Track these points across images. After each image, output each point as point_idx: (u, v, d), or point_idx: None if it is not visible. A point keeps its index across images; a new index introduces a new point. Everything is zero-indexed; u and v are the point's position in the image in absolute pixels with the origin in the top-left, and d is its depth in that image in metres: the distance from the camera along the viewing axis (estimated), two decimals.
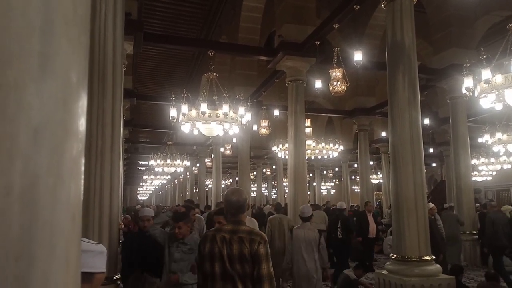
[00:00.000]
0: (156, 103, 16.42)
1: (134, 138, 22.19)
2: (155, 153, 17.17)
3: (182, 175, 25.63)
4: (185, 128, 8.26)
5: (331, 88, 8.05)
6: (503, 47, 5.94)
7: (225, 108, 7.65)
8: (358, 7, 6.77)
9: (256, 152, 20.67)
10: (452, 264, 7.33)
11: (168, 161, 16.61)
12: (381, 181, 19.88)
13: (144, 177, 30.60)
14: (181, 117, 7.88)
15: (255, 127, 11.60)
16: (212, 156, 16.84)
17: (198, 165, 20.96)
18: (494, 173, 17.74)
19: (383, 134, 16.13)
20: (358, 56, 7.41)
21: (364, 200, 13.87)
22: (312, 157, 14.75)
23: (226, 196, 2.56)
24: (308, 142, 12.28)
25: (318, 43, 8.25)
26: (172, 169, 17.38)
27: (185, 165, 17.41)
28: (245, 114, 8.15)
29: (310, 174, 26.15)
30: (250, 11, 11.13)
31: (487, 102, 6.18)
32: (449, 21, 9.75)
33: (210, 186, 23.95)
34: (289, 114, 8.72)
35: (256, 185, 23.12)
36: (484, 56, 5.79)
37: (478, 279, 7.17)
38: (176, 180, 30.34)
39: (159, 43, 9.49)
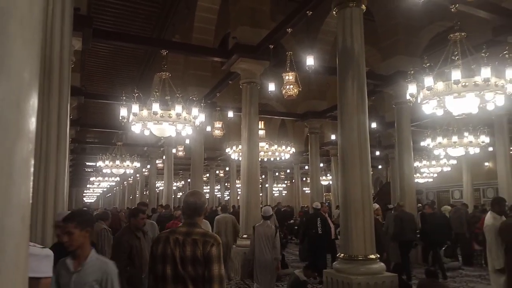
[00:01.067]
0: (106, 102, 15.83)
1: (81, 138, 21.30)
2: (103, 154, 16.56)
3: (132, 177, 24.94)
4: (136, 128, 8.06)
5: (284, 92, 8.19)
6: (445, 56, 6.32)
7: (178, 108, 7.54)
8: (311, 13, 6.95)
9: (209, 154, 20.55)
10: (395, 263, 7.72)
11: (117, 162, 16.10)
12: (331, 182, 20.45)
13: (91, 178, 29.40)
14: (131, 117, 7.66)
15: (208, 129, 11.54)
16: (164, 157, 16.54)
17: (148, 166, 20.48)
18: (435, 175, 18.81)
19: (333, 137, 16.62)
20: (310, 60, 7.60)
21: (314, 201, 14.23)
22: (265, 159, 14.91)
23: (185, 197, 2.58)
24: (262, 144, 12.41)
25: (272, 46, 8.37)
26: (122, 171, 16.85)
27: (135, 166, 16.93)
28: (198, 115, 8.09)
29: (263, 176, 26.40)
30: (204, 11, 11.07)
31: (429, 108, 6.54)
32: (396, 29, 10.24)
33: (161, 188, 23.48)
34: (243, 116, 8.77)
35: (209, 187, 22.97)
36: (427, 64, 6.12)
37: (419, 276, 7.56)
38: (125, 182, 29.44)
39: (110, 40, 9.18)
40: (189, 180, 20.46)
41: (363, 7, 5.91)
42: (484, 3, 6.49)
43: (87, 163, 29.89)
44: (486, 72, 5.58)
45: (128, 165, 16.55)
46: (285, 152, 14.52)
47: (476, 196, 18.31)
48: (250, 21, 8.68)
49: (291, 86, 8.13)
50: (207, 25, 11.15)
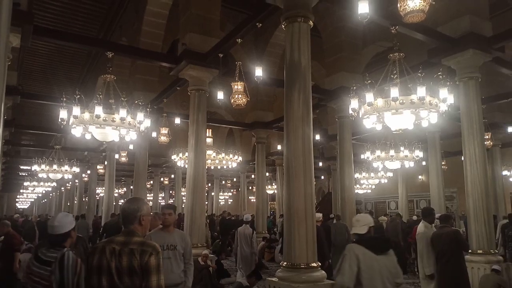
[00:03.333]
0: (44, 103, 14.96)
1: (16, 140, 19.96)
2: (39, 158, 15.63)
3: (70, 183, 23.70)
4: (76, 131, 7.68)
5: (232, 101, 8.25)
6: (385, 74, 6.68)
7: (122, 112, 7.30)
8: (260, 25, 7.08)
9: (154, 160, 20.08)
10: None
11: (55, 166, 15.25)
12: (276, 191, 20.74)
13: (26, 183, 27.55)
14: (72, 119, 7.31)
15: (154, 135, 11.29)
16: (106, 163, 15.90)
17: (89, 172, 19.58)
18: (373, 186, 19.72)
19: (279, 147, 16.93)
20: (258, 71, 7.72)
21: (260, 210, 14.37)
22: (212, 167, 14.83)
23: (124, 205, 2.49)
24: (209, 152, 12.34)
25: (222, 55, 8.40)
26: (59, 176, 15.98)
27: (74, 171, 16.14)
28: (144, 120, 7.88)
29: (209, 184, 26.21)
30: (154, 16, 10.88)
31: (370, 123, 6.85)
32: (340, 46, 10.69)
33: (101, 195, 22.53)
34: (191, 123, 8.67)
35: (152, 194, 22.37)
36: (369, 81, 6.42)
37: None
38: (62, 188, 27.93)
39: (51, 38, 8.71)
40: (131, 187, 19.83)
41: (311, 23, 6.11)
42: (421, 26, 6.94)
43: (21, 167, 28.02)
44: (421, 91, 5.94)
45: (66, 170, 15.74)
46: (232, 160, 14.54)
47: (410, 207, 19.41)
48: (200, 28, 8.67)
49: (240, 96, 8.22)
50: (155, 30, 10.96)
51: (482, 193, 7.19)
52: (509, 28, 7.69)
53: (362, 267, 2.95)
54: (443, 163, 13.66)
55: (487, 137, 10.69)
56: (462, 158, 7.60)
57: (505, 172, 14.38)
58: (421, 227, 5.64)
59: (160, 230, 4.00)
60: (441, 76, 6.38)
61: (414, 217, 13.43)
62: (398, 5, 4.80)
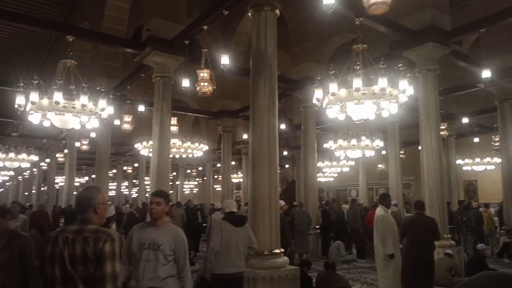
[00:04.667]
0: None
1: None
2: None
3: (29, 171, 22.79)
4: (34, 118, 7.34)
5: (198, 88, 8.18)
6: (348, 65, 6.83)
7: (83, 99, 7.08)
8: (227, 12, 7.03)
9: (117, 149, 19.63)
10: (299, 255, 8.16)
11: (11, 155, 14.60)
12: (241, 180, 20.83)
13: None
14: (29, 105, 7.01)
15: (117, 122, 11.03)
16: (66, 151, 15.40)
17: (48, 160, 18.88)
18: (336, 174, 20.21)
19: (245, 136, 16.97)
20: (225, 59, 7.70)
21: (225, 198, 14.42)
22: (177, 156, 14.69)
23: (79, 192, 2.45)
24: (174, 140, 12.19)
25: (188, 42, 8.29)
26: (16, 164, 15.31)
27: (32, 160, 15.50)
28: (106, 107, 7.67)
29: (174, 173, 25.94)
30: (117, 0, 10.56)
31: (333, 113, 6.99)
32: (306, 37, 10.80)
33: (61, 184, 21.81)
34: (155, 111, 8.54)
35: (115, 183, 21.92)
36: (333, 72, 6.55)
37: (318, 269, 8.08)
38: (20, 177, 26.83)
39: (8, 21, 8.27)
40: (93, 176, 19.34)
41: (277, 11, 6.15)
42: (383, 19, 7.13)
43: None
44: (382, 82, 6.12)
45: (23, 158, 15.09)
46: (197, 149, 14.44)
47: (370, 195, 20.06)
48: (166, 14, 8.49)
49: (206, 84, 8.15)
50: (119, 14, 10.65)
51: (437, 181, 7.56)
52: (467, 22, 8.05)
53: (224, 235, 4.27)
54: (401, 152, 14.20)
55: (443, 127, 11.20)
56: (420, 148, 7.94)
57: (459, 161, 15.13)
58: (380, 210, 5.91)
59: (146, 225, 3.32)
60: (401, 68, 6.58)
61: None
62: None
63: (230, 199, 6.23)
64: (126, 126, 10.97)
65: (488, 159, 14.87)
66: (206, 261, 4.32)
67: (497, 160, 13.67)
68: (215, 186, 26.80)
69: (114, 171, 21.98)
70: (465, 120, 13.11)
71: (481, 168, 15.33)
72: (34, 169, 21.02)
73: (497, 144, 12.06)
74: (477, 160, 15.01)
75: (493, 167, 14.98)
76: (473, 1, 10.22)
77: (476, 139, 14.62)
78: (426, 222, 5.89)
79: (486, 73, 8.84)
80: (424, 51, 7.73)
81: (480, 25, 7.94)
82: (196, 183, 36.05)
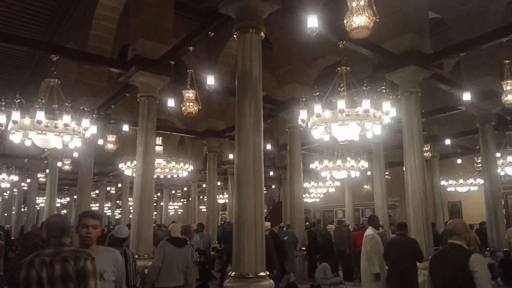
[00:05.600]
0: None
1: None
2: None
3: (8, 192, 22.19)
4: (15, 138, 7.23)
5: (183, 108, 8.17)
6: (332, 87, 6.92)
7: (66, 118, 6.99)
8: (213, 34, 7.10)
9: (100, 169, 19.33)
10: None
11: None
12: (227, 201, 20.67)
13: None
14: (11, 124, 6.89)
15: (100, 142, 10.88)
16: (47, 171, 15.09)
17: (29, 180, 18.44)
18: (322, 195, 20.21)
19: (231, 156, 16.92)
20: (210, 80, 7.73)
21: (210, 219, 14.25)
22: (162, 176, 14.52)
23: (49, 219, 2.45)
24: (159, 160, 12.08)
25: (173, 62, 8.31)
26: None
27: (12, 180, 15.15)
28: (89, 127, 7.59)
29: (158, 194, 25.61)
30: (103, 20, 10.57)
31: (318, 133, 7.05)
32: (291, 59, 10.94)
33: (42, 205, 21.29)
34: (139, 131, 8.46)
35: (98, 204, 21.49)
36: (317, 93, 6.63)
37: None
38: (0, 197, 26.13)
39: None
40: (75, 196, 18.94)
41: (262, 34, 6.22)
42: (366, 42, 7.28)
43: None
44: (366, 104, 6.20)
45: (4, 179, 14.74)
46: (182, 169, 14.33)
47: (356, 216, 20.07)
48: (152, 35, 8.53)
49: (191, 104, 8.15)
50: (105, 34, 10.64)
51: (422, 202, 7.58)
52: (447, 46, 8.27)
53: (166, 254, 4.99)
54: (386, 173, 14.30)
55: (426, 148, 11.36)
56: (404, 169, 8.00)
57: (443, 182, 15.30)
58: (369, 231, 5.95)
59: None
60: (384, 90, 6.69)
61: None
62: (345, 21, 5.00)
63: (175, 223, 6.53)
64: (110, 146, 10.84)
65: (471, 180, 15.08)
66: (147, 276, 5.07)
67: (480, 181, 13.87)
68: (200, 207, 26.52)
69: (97, 191, 21.56)
70: (447, 141, 13.32)
71: (464, 189, 15.53)
72: (14, 190, 20.48)
73: (480, 165, 12.25)
74: (461, 181, 15.21)
75: (476, 188, 15.19)
76: (453, 26, 10.52)
77: (459, 161, 14.85)
78: (406, 244, 5.97)
79: (466, 96, 9.03)
80: (406, 74, 7.88)
81: (459, 49, 8.17)
82: (180, 203, 35.62)
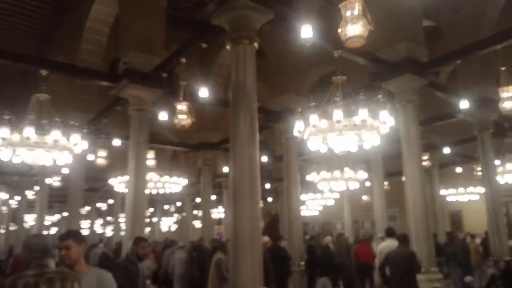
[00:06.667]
0: None
1: None
2: None
3: None
4: (4, 155, 7.04)
5: (176, 121, 7.97)
6: (328, 97, 6.79)
7: (56, 134, 6.81)
8: (206, 45, 6.97)
9: (91, 185, 18.97)
10: None
11: None
12: (223, 215, 20.36)
13: None
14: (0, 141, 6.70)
15: (91, 157, 10.63)
16: (37, 188, 14.74)
17: (18, 198, 18.04)
18: (321, 208, 19.96)
19: (226, 169, 16.66)
20: (204, 92, 7.57)
21: (205, 234, 13.93)
22: (154, 191, 14.23)
23: (29, 240, 2.35)
24: (151, 175, 11.83)
25: (166, 75, 8.15)
26: None
27: (1, 198, 14.79)
28: (79, 142, 7.38)
29: (152, 209, 25.21)
30: (94, 33, 10.45)
31: (314, 144, 6.89)
32: (286, 69, 10.82)
33: (31, 223, 20.83)
34: (131, 145, 8.25)
35: (89, 221, 21.08)
36: (313, 103, 6.50)
37: None
38: None
39: None
40: (65, 213, 18.57)
41: (256, 45, 6.10)
42: (361, 51, 7.17)
43: None
44: (363, 113, 6.07)
45: None
46: (176, 183, 14.06)
47: (356, 228, 19.80)
48: (143, 47, 8.37)
49: (184, 116, 7.96)
50: (96, 47, 10.51)
51: (422, 212, 7.41)
52: (443, 54, 8.19)
53: None
54: (385, 183, 14.12)
55: (425, 157, 11.21)
56: (403, 178, 7.83)
57: (443, 192, 15.12)
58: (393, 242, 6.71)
59: None
60: (381, 99, 6.55)
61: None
62: (339, 30, 4.88)
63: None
64: (101, 161, 10.60)
65: (471, 188, 14.91)
66: None
67: (481, 189, 13.72)
68: (195, 221, 26.11)
69: (88, 208, 21.14)
70: (446, 150, 13.18)
71: (465, 198, 15.36)
72: (4, 207, 20.06)
73: (480, 173, 12.10)
74: (461, 190, 15.04)
75: (477, 197, 15.02)
76: (448, 33, 10.48)
77: (459, 169, 14.69)
78: (402, 256, 6.04)
79: (464, 104, 8.94)
80: (402, 82, 7.77)
81: (455, 57, 8.09)
82: (175, 219, 35.14)
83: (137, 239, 5.26)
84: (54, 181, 13.89)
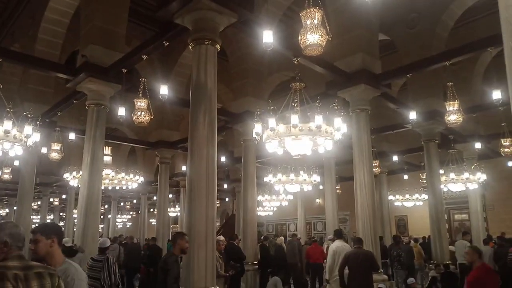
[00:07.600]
0: None
1: None
2: None
3: None
4: None
5: (134, 118, 7.92)
6: (287, 102, 7.01)
7: (7, 125, 6.58)
8: (168, 43, 6.98)
9: (43, 179, 18.32)
10: None
11: None
12: (179, 214, 20.23)
13: None
14: None
15: (44, 150, 10.29)
16: None
17: None
18: (275, 208, 20.30)
19: (184, 168, 16.61)
20: (164, 90, 7.57)
21: (160, 233, 13.83)
22: (110, 187, 13.97)
23: (11, 229, 2.20)
24: (107, 171, 11.62)
25: (125, 70, 8.07)
26: None
27: None
28: (32, 134, 7.17)
29: (106, 206, 24.61)
30: (52, 24, 10.10)
31: (272, 147, 7.09)
32: (246, 72, 10.99)
33: None
34: (87, 139, 8.09)
35: (39, 216, 20.28)
36: (272, 107, 6.68)
37: None
38: None
39: None
40: (15, 207, 17.78)
41: (218, 46, 6.19)
42: (319, 60, 7.45)
43: None
44: (318, 119, 6.32)
45: None
46: (132, 181, 13.87)
47: (308, 229, 20.32)
48: (103, 41, 8.24)
49: (143, 113, 7.92)
50: (54, 38, 10.17)
51: (370, 216, 7.80)
52: (395, 67, 8.68)
53: None
54: (337, 187, 14.62)
55: (375, 164, 11.74)
56: (354, 183, 8.20)
57: (390, 197, 15.87)
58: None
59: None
60: (336, 107, 6.86)
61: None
62: (299, 38, 5.09)
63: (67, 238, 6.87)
64: (54, 155, 10.28)
65: (416, 195, 15.76)
66: None
67: (425, 196, 14.54)
68: (150, 220, 25.73)
69: (39, 202, 20.34)
70: (395, 158, 13.88)
71: (410, 204, 16.19)
72: None
73: (425, 181, 12.83)
74: (407, 196, 15.85)
75: (421, 203, 15.88)
76: (401, 48, 11.06)
77: (406, 176, 15.49)
78: (364, 256, 6.48)
79: (412, 115, 9.47)
80: (356, 92, 8.15)
81: (406, 71, 8.62)
82: (129, 216, 34.46)
83: (180, 234, 5.29)
84: (4, 174, 13.26)
